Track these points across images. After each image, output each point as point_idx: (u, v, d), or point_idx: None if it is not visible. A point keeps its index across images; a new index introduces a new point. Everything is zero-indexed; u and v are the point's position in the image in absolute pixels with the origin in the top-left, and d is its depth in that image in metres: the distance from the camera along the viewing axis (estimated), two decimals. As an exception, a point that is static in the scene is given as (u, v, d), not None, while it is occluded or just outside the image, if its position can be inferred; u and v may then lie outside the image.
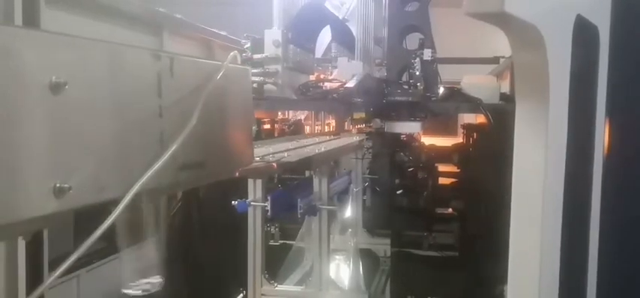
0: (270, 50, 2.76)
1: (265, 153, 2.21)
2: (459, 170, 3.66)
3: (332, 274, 3.21)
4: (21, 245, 1.68)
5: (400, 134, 3.06)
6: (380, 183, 3.50)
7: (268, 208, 2.58)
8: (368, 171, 3.91)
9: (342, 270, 3.62)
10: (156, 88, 1.10)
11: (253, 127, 1.97)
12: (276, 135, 4.09)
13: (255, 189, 2.71)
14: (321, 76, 3.21)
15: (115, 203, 0.97)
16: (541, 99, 1.18)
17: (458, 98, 2.72)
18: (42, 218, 0.85)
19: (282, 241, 3.53)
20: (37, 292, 0.94)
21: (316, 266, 2.96)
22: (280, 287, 3.00)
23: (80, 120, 0.90)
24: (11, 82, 0.79)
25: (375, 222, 3.98)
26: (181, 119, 1.14)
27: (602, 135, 1.23)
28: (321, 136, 3.73)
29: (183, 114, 1.15)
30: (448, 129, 5.03)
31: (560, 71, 1.16)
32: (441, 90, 2.82)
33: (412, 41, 2.89)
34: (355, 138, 3.48)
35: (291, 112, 4.50)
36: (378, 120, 2.72)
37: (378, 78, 3.06)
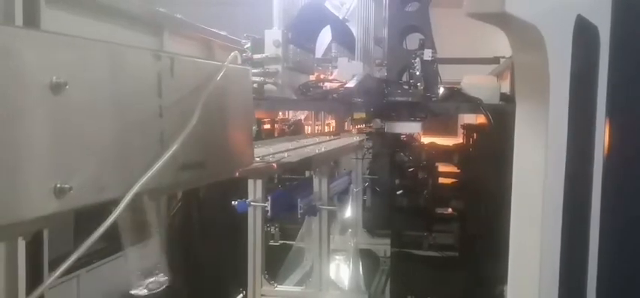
0: (270, 50, 2.76)
1: (265, 153, 2.21)
2: (459, 170, 3.66)
3: (332, 274, 3.21)
4: (21, 245, 1.68)
5: (400, 134, 3.06)
6: (380, 183, 3.50)
7: (268, 208, 2.58)
8: (368, 171, 3.91)
9: (342, 270, 3.62)
10: (156, 88, 1.10)
11: (253, 127, 1.97)
12: (276, 135, 4.09)
13: (255, 189, 2.71)
14: (321, 76, 3.21)
15: (115, 203, 0.97)
16: (541, 100, 1.18)
17: (458, 98, 2.72)
18: (43, 218, 0.85)
19: (282, 241, 3.53)
20: (37, 292, 0.94)
21: (316, 266, 2.96)
22: (280, 288, 3.00)
23: (81, 120, 0.90)
24: (12, 83, 0.79)
25: (375, 222, 3.98)
26: (182, 119, 1.14)
27: (602, 136, 1.24)
28: (321, 136, 3.72)
29: (184, 115, 1.15)
30: (448, 130, 5.03)
31: (561, 71, 1.16)
32: (441, 90, 2.82)
33: (412, 41, 2.89)
34: (355, 139, 3.48)
35: (291, 112, 4.50)
36: (378, 121, 2.72)
37: (378, 78, 3.06)
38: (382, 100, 2.71)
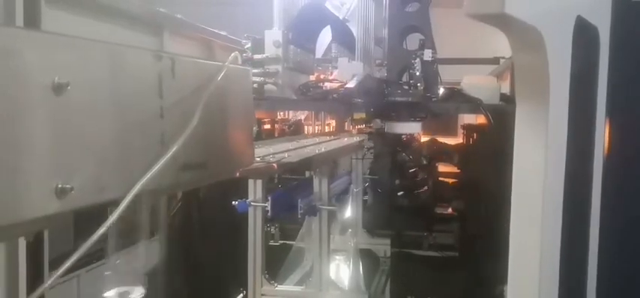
0: (270, 50, 2.76)
1: (266, 153, 2.21)
2: (459, 170, 3.67)
3: (332, 274, 3.21)
4: (22, 245, 1.68)
5: (400, 134, 3.06)
6: (380, 184, 3.50)
7: (268, 208, 2.58)
8: (368, 172, 3.91)
9: (342, 270, 3.63)
10: (157, 89, 1.10)
11: (254, 127, 1.97)
12: (276, 135, 4.10)
13: (255, 190, 2.71)
14: (322, 77, 3.21)
15: (116, 203, 0.97)
16: (541, 100, 1.19)
17: (458, 98, 2.72)
18: (44, 218, 0.85)
19: (282, 241, 3.54)
20: (37, 292, 0.95)
21: (316, 266, 2.96)
22: (280, 288, 3.00)
23: (82, 120, 0.91)
24: (14, 83, 0.79)
25: (375, 222, 3.98)
26: (182, 120, 1.14)
27: (602, 136, 1.24)
28: (321, 136, 3.73)
29: (184, 115, 1.15)
30: (448, 130, 5.04)
31: (561, 72, 1.16)
32: (441, 90, 2.82)
33: (412, 41, 2.89)
34: (355, 139, 3.48)
35: (291, 112, 4.50)
36: (378, 121, 2.73)
37: (378, 78, 3.05)
38: (382, 100, 2.71)
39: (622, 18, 1.20)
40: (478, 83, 2.75)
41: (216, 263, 3.14)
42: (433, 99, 2.75)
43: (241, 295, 3.12)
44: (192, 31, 3.15)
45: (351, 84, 2.71)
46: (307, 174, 2.95)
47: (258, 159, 1.96)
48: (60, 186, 0.86)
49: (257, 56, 2.76)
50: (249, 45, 2.80)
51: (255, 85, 2.64)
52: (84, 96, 0.91)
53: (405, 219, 3.39)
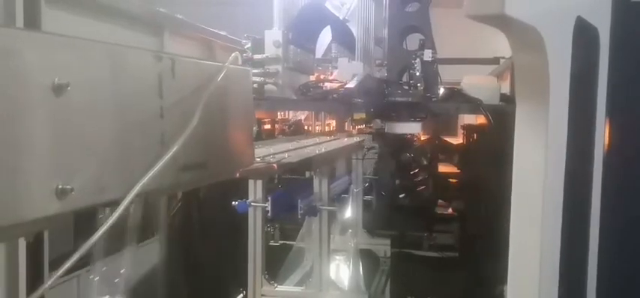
0: (270, 50, 2.76)
1: (266, 153, 2.21)
2: (459, 171, 3.67)
3: (332, 274, 3.21)
4: (22, 245, 1.68)
5: (400, 134, 3.06)
6: (380, 184, 3.51)
7: (268, 209, 2.58)
8: (368, 172, 3.91)
9: (342, 271, 3.63)
10: (157, 89, 1.10)
11: (254, 128, 1.97)
12: (276, 135, 4.10)
13: (255, 190, 2.71)
14: (322, 77, 3.21)
15: (116, 204, 0.97)
16: (541, 100, 1.19)
17: (458, 98, 2.72)
18: (44, 219, 0.85)
19: (282, 241, 3.54)
20: (37, 292, 0.95)
21: (316, 266, 2.96)
22: (280, 288, 3.00)
23: (82, 121, 0.91)
24: (14, 84, 0.79)
25: (375, 222, 3.99)
26: (182, 120, 1.14)
27: (602, 136, 1.24)
28: (321, 136, 3.73)
29: (185, 115, 1.15)
30: (448, 130, 5.04)
31: (561, 72, 1.16)
32: (442, 90, 2.82)
33: (412, 42, 2.89)
34: (355, 139, 3.48)
35: (291, 113, 4.50)
36: (378, 121, 2.73)
37: (378, 78, 3.06)
38: (382, 101, 2.71)
39: (622, 18, 1.21)
40: (478, 83, 2.76)
41: (216, 264, 3.15)
42: (433, 100, 2.75)
43: (241, 295, 3.12)
44: (192, 31, 3.15)
45: (351, 85, 2.72)
46: (307, 174, 2.95)
47: (258, 159, 1.96)
48: (60, 186, 0.86)
49: (257, 56, 2.76)
50: (249, 45, 2.80)
51: (255, 85, 2.64)
52: (84, 97, 0.91)
53: (405, 219, 3.39)
